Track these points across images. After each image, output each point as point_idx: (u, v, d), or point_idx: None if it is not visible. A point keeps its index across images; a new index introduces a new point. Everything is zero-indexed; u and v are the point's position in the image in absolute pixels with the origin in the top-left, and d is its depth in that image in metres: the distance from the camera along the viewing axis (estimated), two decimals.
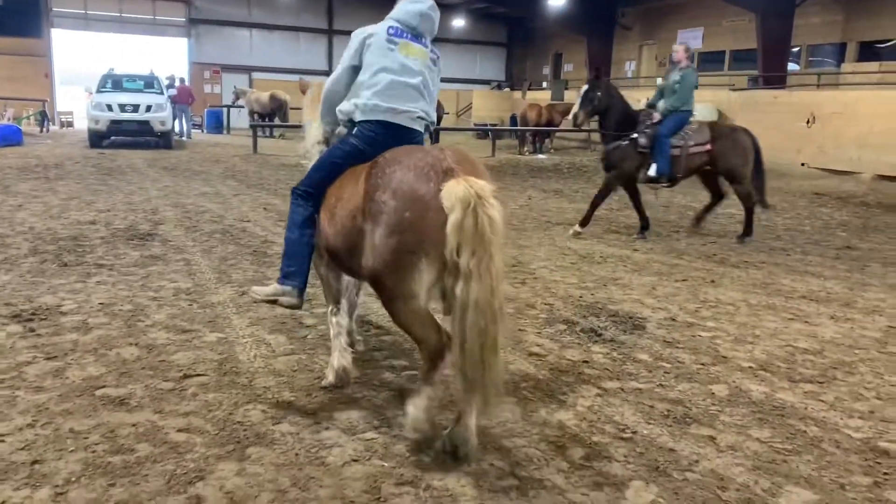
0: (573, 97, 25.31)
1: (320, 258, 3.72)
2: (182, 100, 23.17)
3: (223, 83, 30.03)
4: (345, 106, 3.66)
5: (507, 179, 14.80)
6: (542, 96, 27.23)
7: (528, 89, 30.11)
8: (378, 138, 3.49)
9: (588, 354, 4.46)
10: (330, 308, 3.87)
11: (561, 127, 22.69)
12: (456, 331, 2.84)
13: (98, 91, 19.50)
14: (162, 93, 20.15)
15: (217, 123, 27.04)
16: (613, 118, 8.43)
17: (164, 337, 4.48)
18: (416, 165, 3.01)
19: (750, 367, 4.32)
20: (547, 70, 32.86)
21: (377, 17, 3.75)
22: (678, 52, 8.60)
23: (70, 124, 27.19)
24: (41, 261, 6.38)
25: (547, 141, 22.21)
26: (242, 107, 25.83)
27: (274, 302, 3.66)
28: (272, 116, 24.82)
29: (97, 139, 18.52)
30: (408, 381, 3.88)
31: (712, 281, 6.50)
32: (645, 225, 8.64)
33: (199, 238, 7.71)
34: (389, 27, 3.62)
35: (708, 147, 8.33)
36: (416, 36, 3.66)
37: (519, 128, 22.13)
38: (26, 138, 19.13)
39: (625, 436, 3.35)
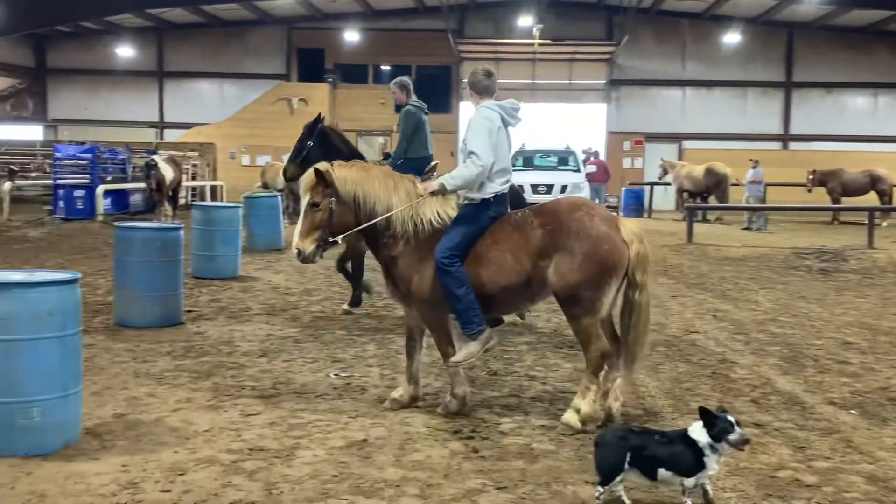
0: None
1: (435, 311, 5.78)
2: (599, 178, 24.62)
3: (646, 155, 31.24)
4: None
5: None
6: None
7: None
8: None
9: None
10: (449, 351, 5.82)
11: None
12: (631, 323, 5.54)
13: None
14: (578, 170, 21.77)
15: (637, 205, 27.14)
16: None
17: None
18: (598, 214, 5.64)
19: None
20: None
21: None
22: (394, 91, 9.31)
23: None
24: None
25: None
26: (669, 184, 26.44)
27: (486, 351, 5.80)
28: (707, 195, 24.90)
29: None
30: None
31: None
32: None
33: None
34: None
35: None
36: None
37: None
38: None
39: None
